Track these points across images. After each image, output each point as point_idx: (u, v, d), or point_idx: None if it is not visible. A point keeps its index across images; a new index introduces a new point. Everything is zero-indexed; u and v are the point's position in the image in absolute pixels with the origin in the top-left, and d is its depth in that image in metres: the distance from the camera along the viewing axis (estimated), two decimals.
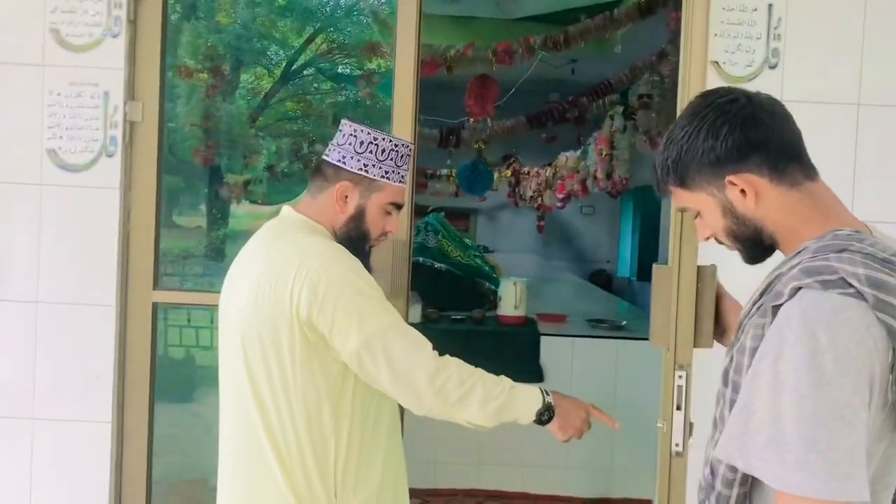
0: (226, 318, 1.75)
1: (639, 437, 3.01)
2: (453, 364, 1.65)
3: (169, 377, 5.85)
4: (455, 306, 4.50)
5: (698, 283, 1.73)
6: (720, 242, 1.34)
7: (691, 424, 1.79)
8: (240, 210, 10.61)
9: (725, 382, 1.21)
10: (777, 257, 1.28)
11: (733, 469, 1.17)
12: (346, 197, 1.77)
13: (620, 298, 7.56)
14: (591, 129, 6.27)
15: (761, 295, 1.21)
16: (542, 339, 4.05)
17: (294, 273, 1.62)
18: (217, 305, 1.81)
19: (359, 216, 1.79)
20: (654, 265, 1.89)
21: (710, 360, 1.80)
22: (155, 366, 2.48)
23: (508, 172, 8.46)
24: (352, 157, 1.76)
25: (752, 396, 1.09)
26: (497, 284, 4.74)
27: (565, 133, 6.30)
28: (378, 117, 10.36)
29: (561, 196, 7.37)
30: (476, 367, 1.68)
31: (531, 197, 8.25)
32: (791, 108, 1.27)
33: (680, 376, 1.76)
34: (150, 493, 2.55)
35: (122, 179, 2.45)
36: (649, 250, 9.39)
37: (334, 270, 1.63)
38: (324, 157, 1.80)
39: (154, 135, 2.46)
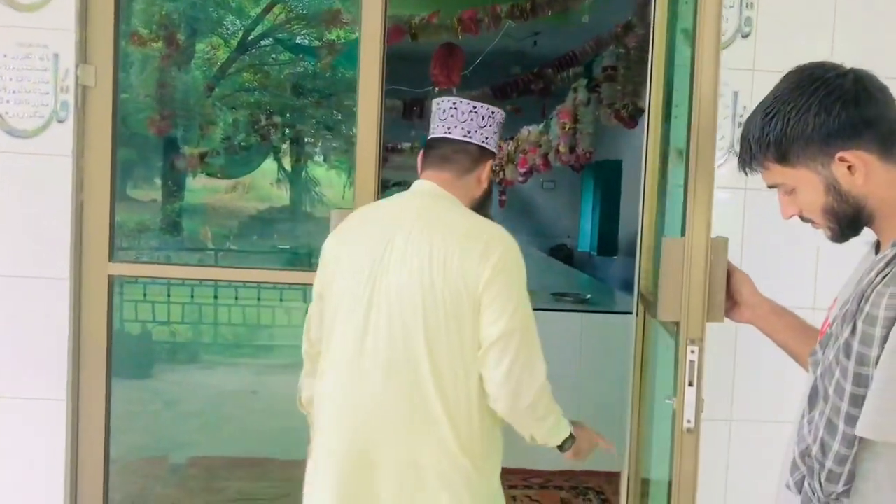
0: (361, 274, 1.78)
1: (603, 409, 3.00)
2: (548, 384, 1.76)
3: (125, 353, 5.72)
4: None
5: (710, 255, 1.70)
6: (805, 220, 1.32)
7: (702, 400, 1.76)
8: (196, 184, 10.41)
9: (848, 354, 1.16)
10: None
11: (850, 444, 1.15)
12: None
13: (582, 272, 7.57)
14: (556, 102, 6.21)
15: (887, 264, 1.18)
16: None
17: (481, 249, 1.72)
18: (175, 279, 1.75)
19: (489, 189, 1.94)
20: (665, 238, 1.85)
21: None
22: (112, 341, 2.38)
23: None
24: (492, 136, 1.89)
25: None
26: None
27: (530, 105, 6.24)
28: (339, 88, 10.19)
29: (523, 170, 7.32)
30: None
31: (493, 171, 8.20)
32: (764, 78, 1.25)
33: (692, 351, 1.72)
34: (108, 472, 2.47)
35: (75, 146, 2.33)
36: (610, 225, 9.42)
37: (512, 256, 1.75)
38: (462, 138, 1.85)
39: (108, 100, 2.34)
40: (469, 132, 1.85)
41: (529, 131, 7.15)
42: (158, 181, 9.32)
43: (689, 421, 1.78)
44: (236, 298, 6.31)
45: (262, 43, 11.12)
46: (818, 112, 1.21)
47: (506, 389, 1.70)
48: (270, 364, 6.63)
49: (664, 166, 2.43)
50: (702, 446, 1.78)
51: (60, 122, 2.32)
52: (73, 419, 2.37)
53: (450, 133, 1.86)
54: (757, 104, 1.31)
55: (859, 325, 1.15)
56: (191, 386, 5.73)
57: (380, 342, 1.75)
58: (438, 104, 1.92)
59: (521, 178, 7.67)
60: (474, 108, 1.88)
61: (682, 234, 1.84)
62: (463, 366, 1.72)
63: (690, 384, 1.78)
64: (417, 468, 1.72)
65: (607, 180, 9.24)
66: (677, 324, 1.79)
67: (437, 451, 1.72)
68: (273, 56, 10.97)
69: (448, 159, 1.86)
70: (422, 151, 1.95)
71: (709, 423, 1.90)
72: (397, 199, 1.89)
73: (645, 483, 2.52)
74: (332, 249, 1.88)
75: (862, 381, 1.13)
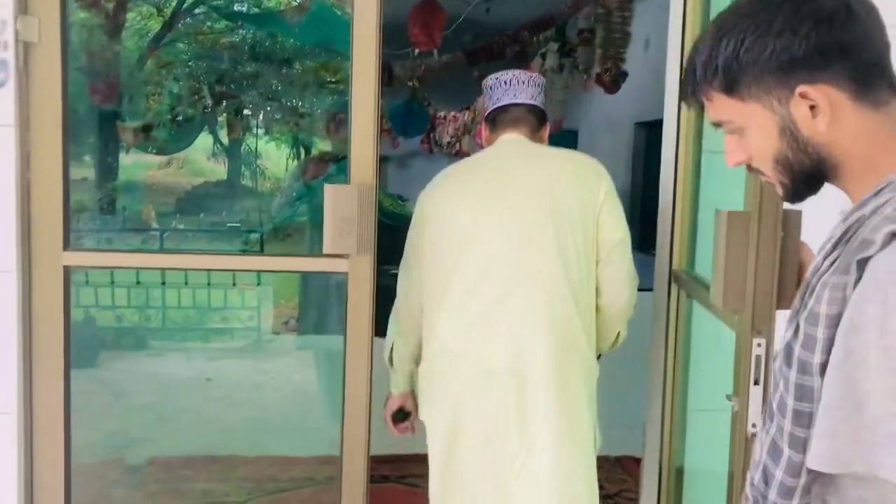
0: (485, 216, 1.97)
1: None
2: None
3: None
4: (388, 260, 4.12)
5: (783, 231, 1.41)
6: (753, 170, 1.04)
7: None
8: (128, 160, 9.85)
9: (789, 362, 0.93)
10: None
11: (795, 473, 0.91)
12: None
13: None
14: (521, 67, 5.88)
15: (835, 246, 0.94)
16: None
17: (593, 170, 2.03)
18: (138, 267, 1.42)
19: None
20: (721, 211, 1.56)
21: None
22: (69, 343, 2.01)
23: None
24: (544, 101, 2.14)
25: (856, 381, 0.83)
26: None
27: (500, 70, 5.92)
28: (279, 57, 9.69)
29: (481, 141, 6.99)
30: None
31: (448, 143, 7.86)
32: None
33: (759, 344, 1.44)
34: (70, 486, 2.10)
35: (18, 114, 1.93)
36: None
37: (610, 180, 2.03)
38: (530, 101, 2.07)
39: (56, 59, 1.94)
40: (532, 96, 2.09)
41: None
42: (89, 158, 8.75)
43: (753, 425, 1.52)
44: (186, 282, 5.90)
45: (197, 11, 10.57)
46: (782, 31, 0.94)
47: (626, 287, 2.00)
48: (224, 348, 6.26)
49: (699, 130, 2.17)
50: None
51: (0, 86, 1.92)
52: (26, 436, 2.00)
53: (517, 99, 2.07)
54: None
55: (801, 324, 0.92)
56: (140, 375, 5.34)
57: (517, 268, 1.94)
58: (497, 78, 2.13)
59: (479, 150, 7.35)
60: (530, 76, 2.13)
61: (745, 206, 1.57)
62: (587, 271, 1.96)
63: (756, 383, 1.52)
64: (565, 375, 1.92)
65: (576, 149, 8.88)
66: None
67: (577, 356, 1.95)
68: (208, 24, 10.44)
69: (520, 120, 2.07)
70: (484, 123, 2.17)
71: None
72: (492, 151, 2.10)
73: (680, 472, 2.28)
74: (440, 207, 2.03)
75: (805, 393, 0.91)
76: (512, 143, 2.07)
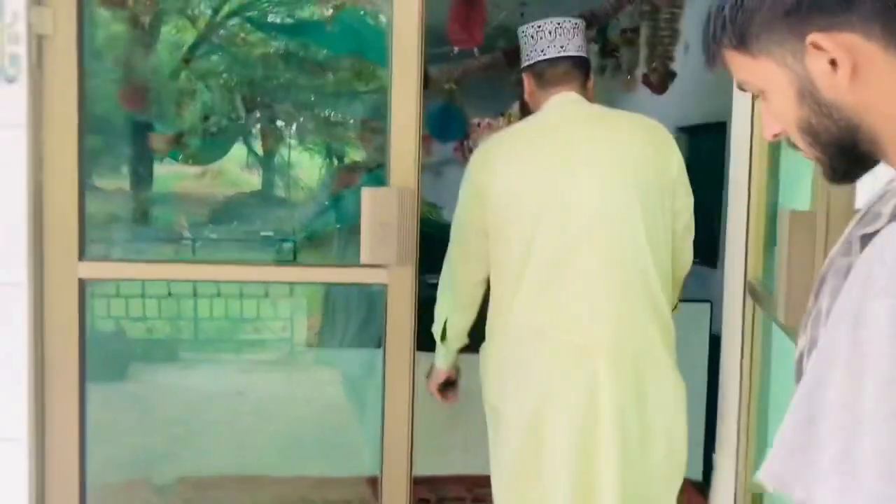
0: (554, 189, 1.83)
1: None
2: None
3: (96, 354, 5.15)
4: (427, 268, 3.93)
5: None
6: (793, 146, 0.86)
7: None
8: (163, 171, 9.79)
9: (798, 378, 0.80)
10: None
11: None
12: None
13: None
14: None
15: (846, 253, 0.78)
16: None
17: (663, 136, 1.94)
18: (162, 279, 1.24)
19: None
20: (784, 210, 1.34)
21: None
22: (85, 363, 1.83)
23: None
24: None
25: (820, 382, 0.68)
26: None
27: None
28: (313, 67, 9.61)
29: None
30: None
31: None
32: None
33: None
34: None
35: (30, 114, 1.77)
36: None
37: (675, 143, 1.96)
38: (576, 54, 1.93)
39: (72, 53, 1.77)
40: (579, 47, 1.95)
41: None
42: (124, 170, 8.69)
43: None
44: (218, 293, 5.75)
45: (231, 22, 10.55)
46: None
47: (691, 252, 1.98)
48: (256, 360, 6.10)
49: None
50: None
51: (10, 82, 1.74)
52: (38, 464, 1.82)
53: (565, 50, 1.91)
54: None
55: (809, 331, 0.80)
56: (170, 388, 5.19)
57: (598, 242, 1.82)
58: (539, 27, 1.95)
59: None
60: (574, 24, 1.97)
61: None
62: (668, 243, 1.89)
63: None
64: (652, 347, 1.85)
65: None
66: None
67: (665, 331, 1.88)
68: (242, 36, 10.41)
69: (570, 75, 1.92)
70: (530, 74, 1.97)
71: None
72: (554, 114, 1.92)
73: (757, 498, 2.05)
74: (506, 177, 1.86)
75: None
76: (573, 104, 1.93)
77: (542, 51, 1.94)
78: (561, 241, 1.83)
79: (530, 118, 2.00)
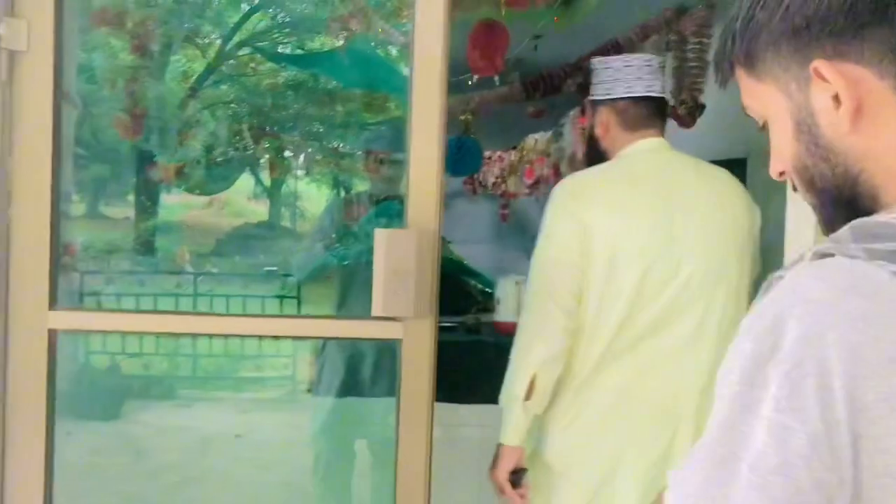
0: (655, 245, 1.71)
1: None
2: None
3: (89, 391, 4.90)
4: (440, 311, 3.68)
5: None
6: (794, 188, 0.74)
7: None
8: (170, 200, 9.62)
9: None
10: None
11: None
12: None
13: None
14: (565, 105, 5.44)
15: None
16: None
17: (747, 197, 1.82)
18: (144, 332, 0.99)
19: None
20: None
21: None
22: (52, 426, 1.57)
23: None
24: None
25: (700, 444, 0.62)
26: (484, 282, 3.93)
27: (557, 106, 5.51)
28: (321, 98, 9.48)
29: (530, 181, 6.60)
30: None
31: (493, 184, 7.44)
32: None
33: None
34: None
35: (0, 138, 1.54)
36: None
37: None
38: (661, 95, 1.83)
39: (48, 70, 1.54)
40: (664, 88, 1.85)
41: (536, 140, 6.41)
42: (132, 198, 8.54)
43: None
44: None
45: (240, 53, 10.47)
46: None
47: None
48: (256, 399, 5.83)
49: None
50: None
51: None
52: None
53: (651, 90, 1.81)
54: None
55: None
56: (165, 429, 4.93)
57: (696, 305, 1.71)
58: (627, 62, 1.87)
59: (527, 191, 6.94)
60: (661, 63, 1.90)
61: None
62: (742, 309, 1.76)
63: None
64: None
65: None
66: None
67: None
68: (252, 66, 10.33)
69: (654, 117, 1.82)
70: (610, 109, 1.83)
71: None
72: (640, 162, 1.79)
73: None
74: (602, 224, 1.70)
75: None
76: (666, 152, 1.83)
77: (627, 87, 1.82)
78: (660, 301, 1.71)
79: (619, 162, 1.82)
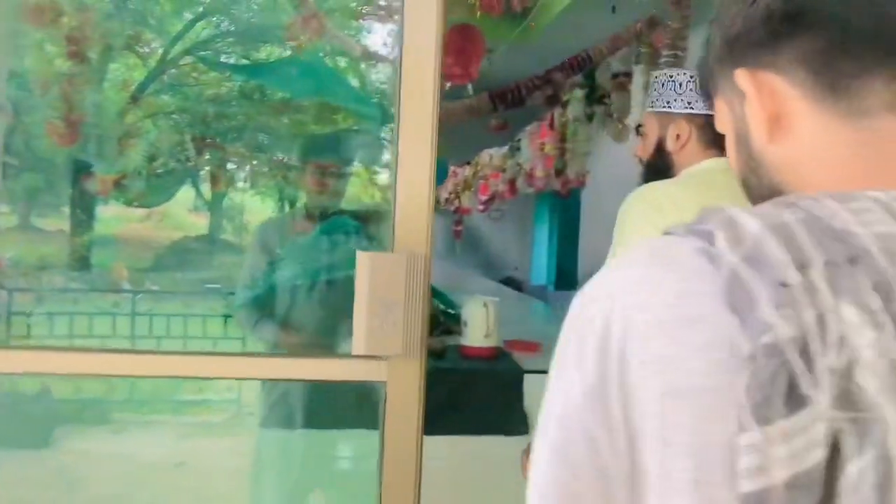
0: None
1: None
2: None
3: (16, 418, 4.51)
4: None
5: None
6: None
7: None
8: (107, 212, 9.18)
9: None
10: None
11: None
12: None
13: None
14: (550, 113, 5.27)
15: None
16: (525, 377, 3.03)
17: None
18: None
19: None
20: None
21: None
22: None
23: None
24: None
25: None
26: (446, 303, 3.72)
27: (519, 119, 5.31)
28: (267, 109, 9.21)
29: (484, 197, 6.42)
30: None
31: (446, 199, 7.26)
32: None
33: None
34: None
35: None
36: (570, 256, 8.48)
37: None
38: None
39: None
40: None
41: (491, 155, 6.24)
42: (67, 209, 8.13)
43: None
44: (158, 347, 5.17)
45: (183, 62, 10.15)
46: None
47: None
48: (198, 424, 5.48)
49: None
50: None
51: None
52: None
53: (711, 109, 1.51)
54: None
55: None
56: (100, 457, 4.58)
57: None
58: (690, 76, 1.79)
59: (480, 207, 6.77)
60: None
61: None
62: None
63: None
64: None
65: (566, 207, 8.34)
66: None
67: None
68: (195, 75, 10.01)
69: (721, 138, 1.45)
70: (693, 125, 1.76)
71: None
72: (718, 178, 1.64)
73: None
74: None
75: None
76: (731, 172, 1.70)
77: (705, 106, 1.76)
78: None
79: (694, 179, 1.73)
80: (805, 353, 0.48)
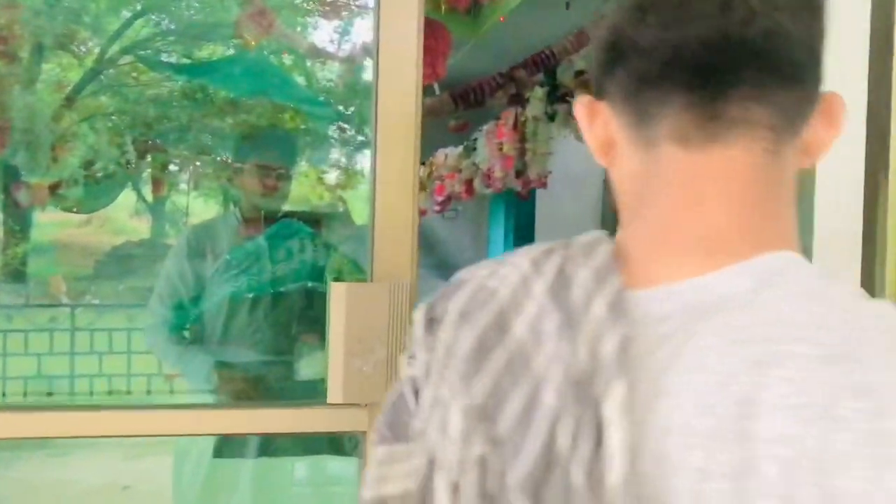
0: None
1: None
2: None
3: None
4: None
5: None
6: None
7: None
8: (43, 219, 8.78)
9: None
10: None
11: None
12: None
13: None
14: (484, 118, 5.13)
15: None
16: None
17: None
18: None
19: None
20: None
21: None
22: None
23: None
24: None
25: None
26: None
27: (481, 119, 5.13)
28: (210, 110, 8.93)
29: (441, 198, 6.25)
30: None
31: None
32: None
33: None
34: None
35: None
36: None
37: None
38: None
39: None
40: None
41: (447, 155, 6.08)
42: None
43: None
44: (101, 370, 4.89)
45: (121, 62, 9.79)
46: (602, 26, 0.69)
47: None
48: (145, 443, 5.19)
49: None
50: None
51: None
52: None
53: None
54: None
55: None
56: (39, 485, 4.29)
57: None
58: None
59: (437, 208, 6.60)
60: None
61: None
62: None
63: None
64: None
65: (521, 207, 8.26)
66: None
67: None
68: (134, 75, 9.67)
69: None
70: None
71: None
72: None
73: None
74: None
75: None
76: None
77: None
78: None
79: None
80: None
